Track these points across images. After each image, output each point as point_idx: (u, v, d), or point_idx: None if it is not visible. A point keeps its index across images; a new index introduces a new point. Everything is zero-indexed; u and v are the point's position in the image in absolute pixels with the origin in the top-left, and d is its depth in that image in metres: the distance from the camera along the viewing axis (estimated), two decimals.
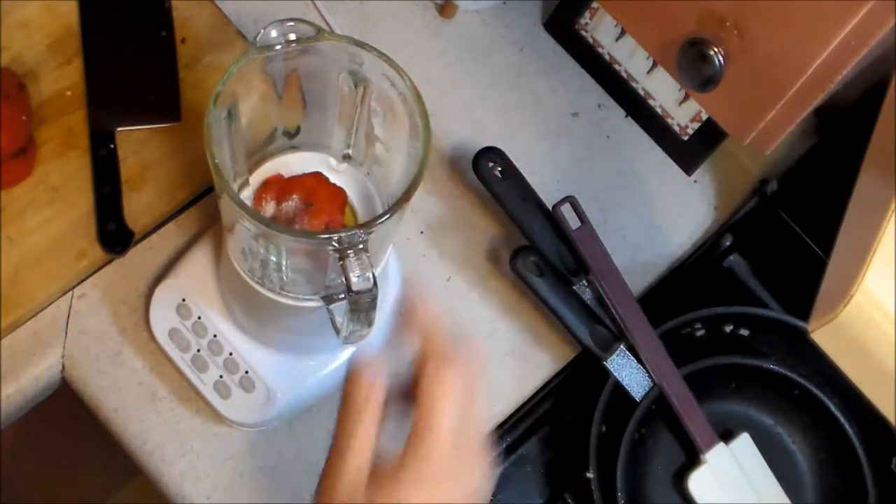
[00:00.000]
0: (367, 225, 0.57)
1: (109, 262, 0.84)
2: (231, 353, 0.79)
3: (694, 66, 0.58)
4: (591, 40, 0.95)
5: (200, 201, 0.87)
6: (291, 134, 0.70)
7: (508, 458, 0.85)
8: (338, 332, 0.68)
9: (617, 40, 0.93)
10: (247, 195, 0.69)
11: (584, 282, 0.84)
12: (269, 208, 0.68)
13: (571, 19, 0.95)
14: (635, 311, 0.82)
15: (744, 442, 0.84)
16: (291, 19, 0.61)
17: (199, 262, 0.80)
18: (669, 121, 0.94)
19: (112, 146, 0.84)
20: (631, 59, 0.93)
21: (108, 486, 1.34)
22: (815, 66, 0.55)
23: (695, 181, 0.95)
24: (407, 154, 0.64)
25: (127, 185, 0.84)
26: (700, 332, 0.86)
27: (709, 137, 0.92)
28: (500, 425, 0.86)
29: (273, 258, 0.64)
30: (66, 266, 0.82)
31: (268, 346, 0.79)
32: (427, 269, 0.89)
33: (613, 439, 0.81)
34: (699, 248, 0.93)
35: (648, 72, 0.93)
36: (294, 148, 0.71)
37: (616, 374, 0.82)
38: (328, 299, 0.68)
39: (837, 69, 0.54)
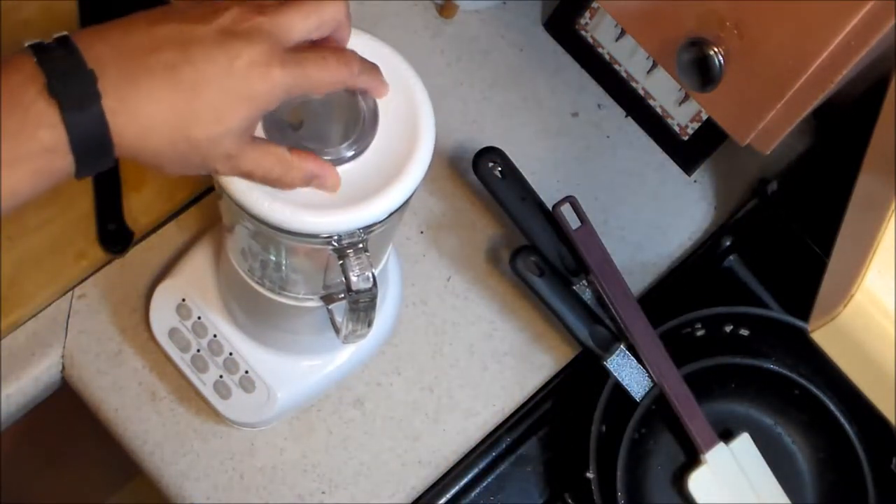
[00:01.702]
0: (369, 224, 0.57)
1: (109, 262, 0.84)
2: (231, 353, 0.79)
3: (694, 66, 0.58)
4: (591, 40, 0.95)
5: (200, 201, 0.87)
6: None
7: (508, 458, 0.85)
8: (337, 331, 0.68)
9: (617, 40, 0.93)
10: None
11: (584, 282, 0.84)
12: None
13: (571, 19, 0.95)
14: (635, 311, 0.82)
15: (744, 442, 0.84)
16: None
17: (199, 262, 0.80)
18: (669, 121, 0.94)
19: None
20: (631, 59, 0.93)
21: (108, 486, 1.34)
22: (815, 66, 0.55)
23: (695, 181, 0.95)
24: None
25: (127, 185, 0.84)
26: (700, 332, 0.86)
27: (709, 137, 0.92)
28: (500, 425, 0.86)
29: (273, 258, 0.64)
30: (66, 266, 0.82)
31: (268, 346, 0.79)
32: (427, 269, 0.89)
33: (613, 439, 0.81)
34: (699, 248, 0.93)
35: (648, 72, 0.92)
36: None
37: (616, 374, 0.81)
38: (328, 299, 0.68)
39: (837, 69, 0.54)
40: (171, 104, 0.49)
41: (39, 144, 0.46)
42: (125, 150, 0.49)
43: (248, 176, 0.54)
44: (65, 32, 0.48)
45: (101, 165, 0.49)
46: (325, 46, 0.55)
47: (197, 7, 0.51)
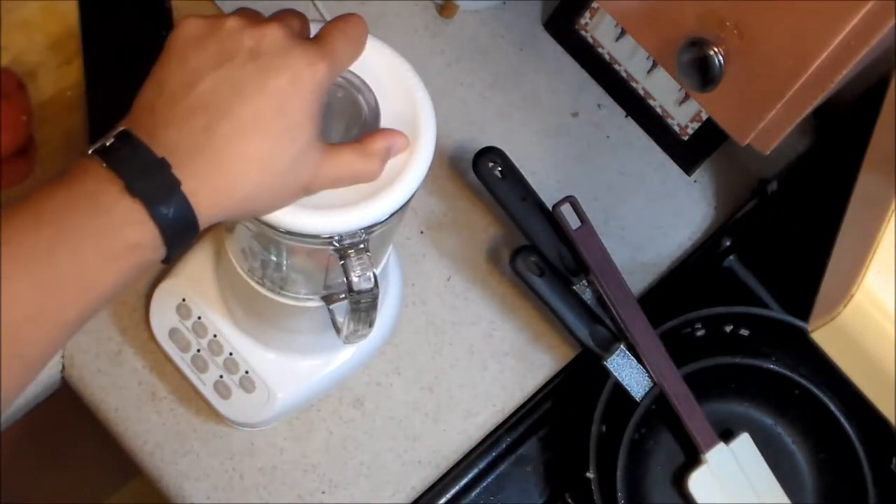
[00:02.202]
0: (370, 225, 0.57)
1: None
2: (231, 353, 0.79)
3: (694, 65, 0.58)
4: (591, 40, 0.95)
5: None
6: None
7: (508, 458, 0.85)
8: (338, 331, 0.68)
9: (617, 40, 0.93)
10: None
11: (584, 282, 0.84)
12: None
13: (571, 19, 0.95)
14: (635, 311, 0.82)
15: (744, 442, 0.84)
16: None
17: (199, 262, 0.80)
18: (669, 121, 0.94)
19: None
20: (631, 59, 0.93)
21: (108, 486, 1.34)
22: (815, 66, 0.54)
23: (695, 181, 0.95)
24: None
25: None
26: (700, 332, 0.86)
27: (709, 137, 0.92)
28: (500, 425, 0.86)
29: (273, 258, 0.64)
30: None
31: (268, 346, 0.79)
32: (427, 269, 0.89)
33: (613, 439, 0.81)
34: (699, 248, 0.93)
35: (648, 72, 0.93)
36: None
37: (616, 374, 0.81)
38: (328, 299, 0.68)
39: (837, 69, 0.54)
40: (247, 151, 0.49)
41: (125, 243, 0.47)
42: (219, 215, 0.50)
43: (337, 182, 0.54)
44: (123, 128, 0.49)
45: (187, 243, 0.50)
46: (330, 25, 0.54)
47: (209, 41, 0.50)
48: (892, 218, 0.60)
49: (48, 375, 0.82)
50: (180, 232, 0.48)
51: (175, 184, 0.47)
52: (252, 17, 0.52)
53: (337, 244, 0.57)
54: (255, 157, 0.49)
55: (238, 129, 0.49)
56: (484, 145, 0.84)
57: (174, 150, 0.48)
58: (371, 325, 0.64)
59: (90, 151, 0.48)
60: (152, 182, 0.47)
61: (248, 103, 0.49)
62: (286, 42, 0.51)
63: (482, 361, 0.87)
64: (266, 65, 0.50)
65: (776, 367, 0.85)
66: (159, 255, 0.49)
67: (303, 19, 0.55)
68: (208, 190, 0.49)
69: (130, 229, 0.47)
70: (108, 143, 0.48)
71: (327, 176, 0.54)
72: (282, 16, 0.53)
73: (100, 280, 0.47)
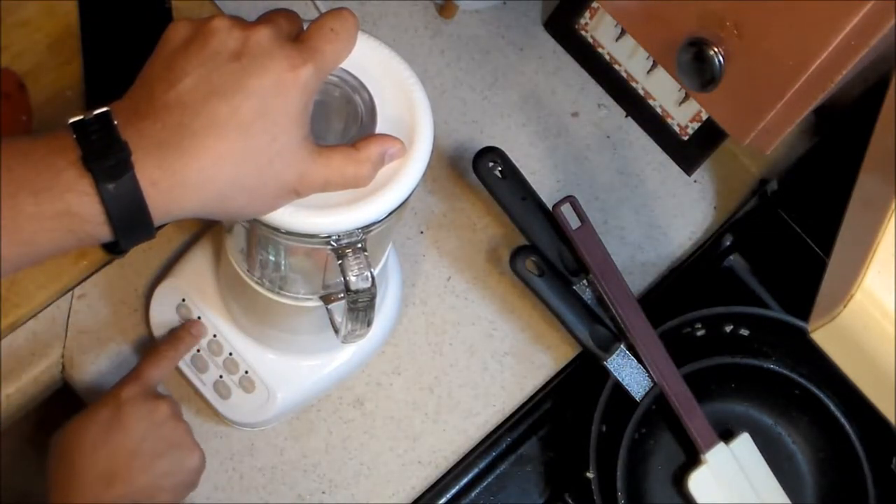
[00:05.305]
0: (366, 225, 0.57)
1: (109, 262, 0.84)
2: (231, 353, 0.79)
3: (694, 66, 0.58)
4: (591, 40, 0.95)
5: None
6: None
7: (508, 458, 0.85)
8: (337, 331, 0.68)
9: (617, 40, 0.93)
10: None
11: (584, 282, 0.84)
12: None
13: (571, 19, 0.95)
14: (635, 311, 0.82)
15: (744, 442, 0.84)
16: None
17: (199, 262, 0.80)
18: (669, 121, 0.94)
19: None
20: (631, 59, 0.93)
21: None
22: (815, 66, 0.54)
23: (695, 181, 0.95)
24: None
25: None
26: (700, 332, 0.86)
27: (709, 137, 0.92)
28: (500, 425, 0.86)
29: (272, 258, 0.64)
30: (66, 266, 0.82)
31: (267, 346, 0.79)
32: (427, 269, 0.89)
33: (613, 439, 0.81)
34: (699, 247, 0.93)
35: (648, 72, 0.92)
36: None
37: (616, 374, 0.81)
38: (327, 299, 0.68)
39: (837, 69, 0.54)
40: (219, 147, 0.49)
41: (66, 206, 0.48)
42: (190, 209, 0.50)
43: (327, 185, 0.54)
44: (107, 108, 0.49)
45: (140, 234, 0.50)
46: (318, 23, 0.54)
47: (195, 42, 0.51)
48: (892, 218, 0.60)
49: (48, 375, 0.82)
50: (127, 216, 0.49)
51: (128, 166, 0.48)
52: (240, 19, 0.52)
53: (334, 244, 0.57)
54: (228, 154, 0.49)
55: (212, 126, 0.49)
56: (484, 145, 0.84)
57: (144, 139, 0.49)
58: (369, 324, 0.64)
59: (70, 121, 0.49)
60: (108, 160, 0.48)
61: (224, 102, 0.49)
62: (271, 43, 0.51)
63: (482, 361, 0.87)
64: (247, 65, 0.50)
65: (776, 367, 0.85)
66: (103, 234, 0.49)
67: (293, 19, 0.54)
68: (173, 182, 0.49)
69: (72, 195, 0.48)
70: (86, 117, 0.49)
71: (316, 180, 0.53)
72: (271, 16, 0.53)
73: (32, 234, 0.48)
